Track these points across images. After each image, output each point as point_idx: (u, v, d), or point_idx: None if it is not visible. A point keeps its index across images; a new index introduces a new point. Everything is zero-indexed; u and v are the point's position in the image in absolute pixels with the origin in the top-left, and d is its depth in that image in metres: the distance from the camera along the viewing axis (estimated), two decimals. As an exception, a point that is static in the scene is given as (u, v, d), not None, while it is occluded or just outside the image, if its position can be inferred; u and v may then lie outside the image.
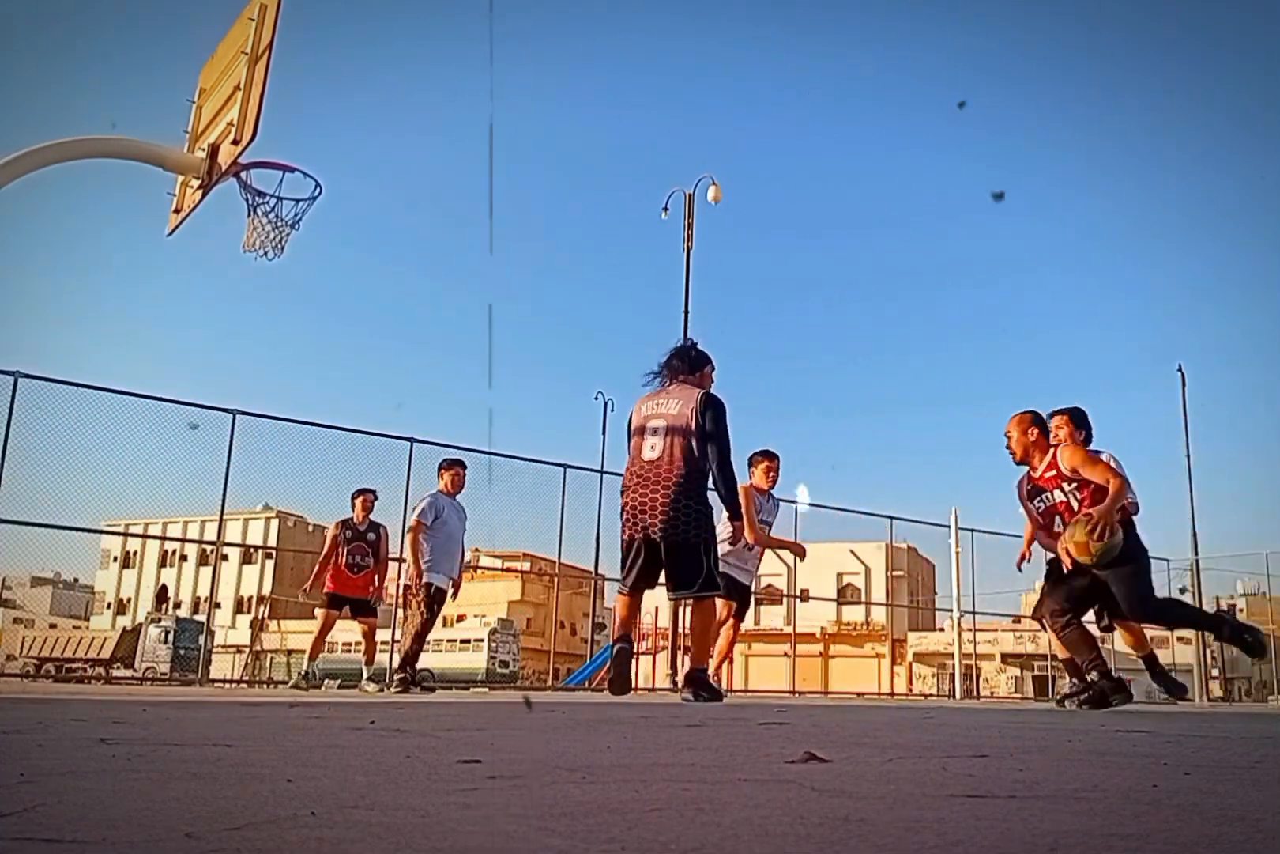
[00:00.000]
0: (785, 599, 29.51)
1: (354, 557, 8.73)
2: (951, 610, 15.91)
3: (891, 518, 16.41)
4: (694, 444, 5.15)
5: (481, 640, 34.06)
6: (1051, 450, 5.60)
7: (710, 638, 6.05)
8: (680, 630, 14.65)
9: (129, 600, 50.94)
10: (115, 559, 50.15)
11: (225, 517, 10.97)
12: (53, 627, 41.92)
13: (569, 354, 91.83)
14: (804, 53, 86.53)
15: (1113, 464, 6.17)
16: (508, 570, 36.44)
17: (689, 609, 5.44)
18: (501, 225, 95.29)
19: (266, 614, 45.30)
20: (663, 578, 5.36)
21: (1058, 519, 5.54)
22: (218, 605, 43.59)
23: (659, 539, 5.10)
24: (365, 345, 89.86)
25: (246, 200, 7.36)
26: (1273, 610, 22.91)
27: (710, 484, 5.27)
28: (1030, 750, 2.15)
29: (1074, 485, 5.48)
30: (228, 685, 14.36)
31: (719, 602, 6.06)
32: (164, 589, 48.10)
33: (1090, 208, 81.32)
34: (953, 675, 15.87)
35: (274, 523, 47.37)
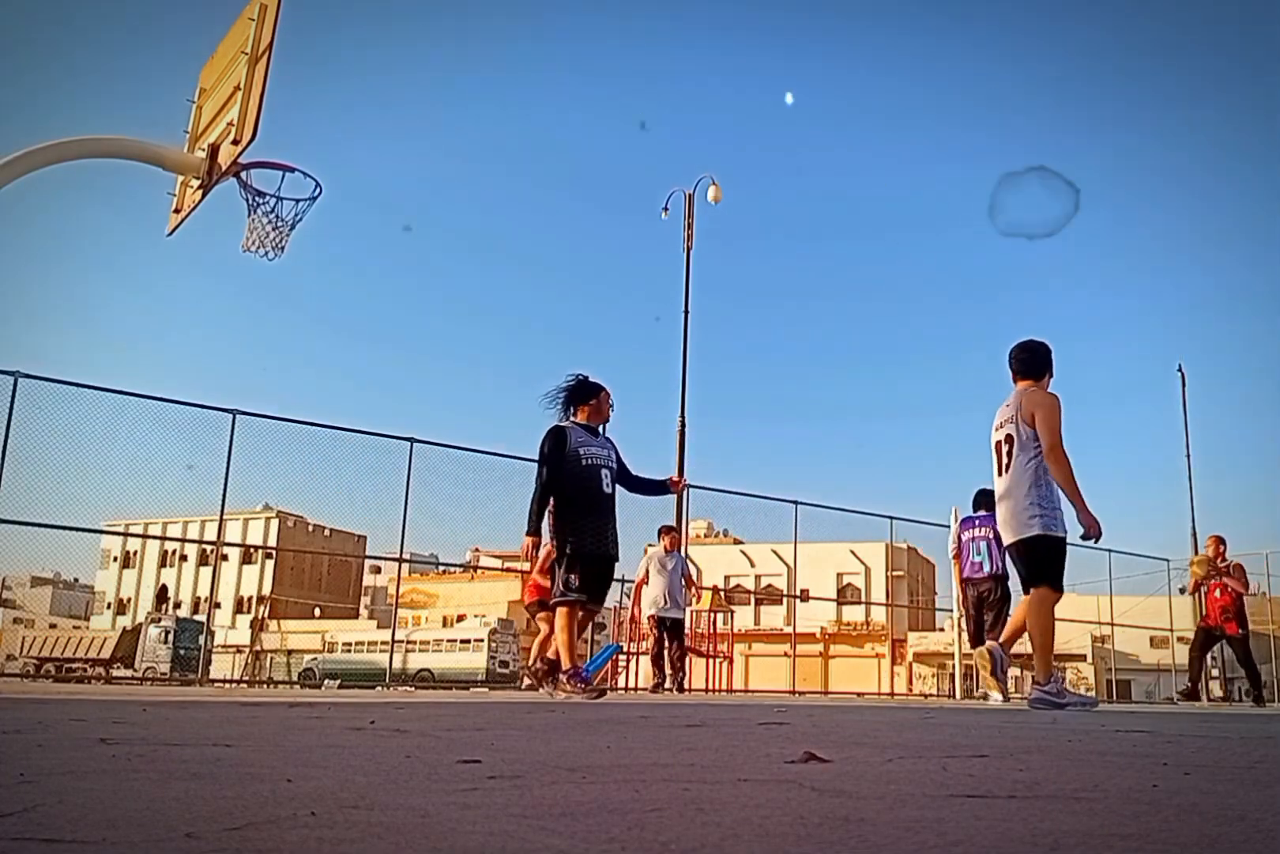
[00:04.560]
0: (785, 599, 29.50)
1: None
2: (951, 610, 15.90)
3: (891, 518, 16.40)
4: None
5: (481, 640, 34.08)
6: None
7: None
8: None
9: (129, 600, 50.95)
10: (115, 559, 50.17)
11: (225, 517, 10.95)
12: (53, 627, 41.91)
13: (569, 354, 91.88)
14: (798, 56, 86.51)
15: None
16: (508, 570, 36.44)
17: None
18: (502, 224, 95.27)
19: (266, 614, 45.32)
20: None
21: None
22: (218, 605, 43.56)
23: None
24: (364, 345, 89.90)
25: (246, 200, 7.37)
26: (1273, 610, 22.89)
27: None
28: (1030, 750, 2.15)
29: None
30: (228, 685, 14.36)
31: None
32: (164, 589, 48.09)
33: (1093, 211, 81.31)
34: (953, 675, 15.86)
35: (274, 523, 47.40)
